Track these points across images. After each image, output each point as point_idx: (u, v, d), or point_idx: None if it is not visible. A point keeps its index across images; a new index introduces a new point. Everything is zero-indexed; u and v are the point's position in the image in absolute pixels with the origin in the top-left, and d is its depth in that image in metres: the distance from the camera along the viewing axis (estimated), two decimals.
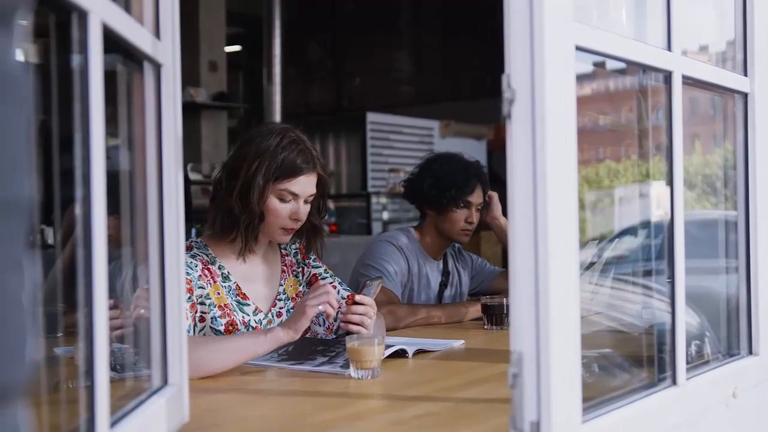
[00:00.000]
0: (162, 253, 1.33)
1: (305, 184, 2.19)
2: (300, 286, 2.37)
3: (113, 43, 1.08)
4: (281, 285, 2.32)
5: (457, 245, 3.14)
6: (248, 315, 2.20)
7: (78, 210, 0.98)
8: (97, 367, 0.98)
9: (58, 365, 1.41)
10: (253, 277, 2.27)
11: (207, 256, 2.19)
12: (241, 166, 2.15)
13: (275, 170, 2.14)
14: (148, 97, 1.31)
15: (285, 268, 2.35)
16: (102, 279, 0.98)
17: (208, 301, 2.12)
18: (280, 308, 2.30)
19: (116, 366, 1.31)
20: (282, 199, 2.17)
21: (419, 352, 2.16)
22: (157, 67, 1.31)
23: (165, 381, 1.33)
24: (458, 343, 2.32)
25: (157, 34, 1.32)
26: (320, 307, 1.95)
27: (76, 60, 0.98)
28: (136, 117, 1.31)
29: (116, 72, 1.25)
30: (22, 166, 0.57)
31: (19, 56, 0.60)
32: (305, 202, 2.21)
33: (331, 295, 1.97)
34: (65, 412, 1.18)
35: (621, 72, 1.69)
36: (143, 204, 1.32)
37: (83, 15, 0.96)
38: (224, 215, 2.18)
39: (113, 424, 1.05)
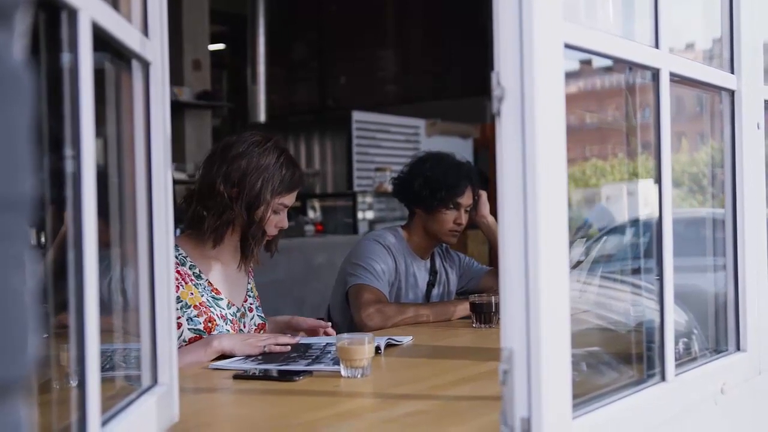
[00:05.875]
0: (151, 253, 1.32)
1: (295, 197, 2.31)
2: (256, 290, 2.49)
3: (101, 41, 1.08)
4: (249, 283, 2.42)
5: (444, 244, 3.14)
6: (224, 309, 2.26)
7: (68, 210, 0.98)
8: (88, 367, 0.97)
9: (41, 365, 1.40)
10: (225, 274, 2.33)
11: (177, 257, 2.21)
12: (242, 180, 2.20)
13: (279, 186, 2.23)
14: (136, 95, 1.30)
15: (250, 268, 2.44)
16: (92, 279, 0.98)
17: (179, 304, 2.14)
18: (250, 304, 2.40)
19: (104, 366, 1.30)
20: (276, 212, 2.26)
21: (389, 346, 2.20)
22: (145, 65, 1.31)
23: (155, 380, 1.33)
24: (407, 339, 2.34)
25: (145, 32, 1.31)
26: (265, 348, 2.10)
27: (65, 58, 0.98)
28: (124, 116, 1.31)
29: (104, 70, 1.24)
30: (24, 164, 0.58)
31: (20, 54, 0.59)
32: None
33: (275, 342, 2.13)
34: (53, 411, 1.17)
35: (607, 70, 1.69)
36: (132, 204, 1.31)
37: (73, 13, 0.96)
38: (224, 225, 2.22)
39: (104, 423, 1.05)
